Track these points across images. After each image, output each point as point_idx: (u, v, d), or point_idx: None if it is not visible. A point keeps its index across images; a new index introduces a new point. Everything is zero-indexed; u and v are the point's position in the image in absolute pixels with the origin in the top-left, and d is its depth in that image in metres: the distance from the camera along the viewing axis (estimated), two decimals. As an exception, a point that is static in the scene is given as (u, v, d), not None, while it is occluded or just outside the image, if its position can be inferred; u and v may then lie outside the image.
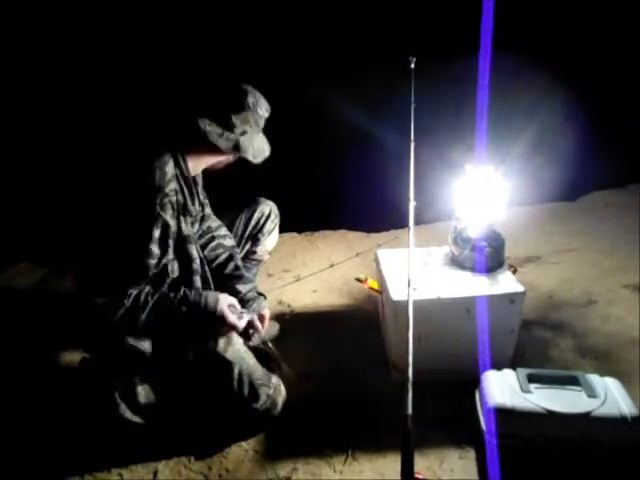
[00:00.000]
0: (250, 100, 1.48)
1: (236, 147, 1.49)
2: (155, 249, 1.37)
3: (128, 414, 1.50)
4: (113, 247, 1.36)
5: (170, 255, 1.42)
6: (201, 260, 1.55)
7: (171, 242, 1.41)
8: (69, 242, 1.59)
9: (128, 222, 1.35)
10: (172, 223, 1.40)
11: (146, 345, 1.44)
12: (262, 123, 1.56)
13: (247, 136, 1.50)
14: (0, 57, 2.65)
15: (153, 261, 1.38)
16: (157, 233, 1.36)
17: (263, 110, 1.53)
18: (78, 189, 1.65)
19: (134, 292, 1.36)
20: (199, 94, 1.46)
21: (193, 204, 1.51)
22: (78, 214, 1.54)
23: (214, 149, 1.48)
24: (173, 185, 1.41)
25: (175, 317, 1.41)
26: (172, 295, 1.42)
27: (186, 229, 1.47)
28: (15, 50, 2.69)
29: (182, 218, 1.47)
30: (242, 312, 1.55)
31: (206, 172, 1.64)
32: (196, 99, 1.45)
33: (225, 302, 1.49)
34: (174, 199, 1.41)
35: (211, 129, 1.43)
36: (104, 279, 1.36)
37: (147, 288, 1.39)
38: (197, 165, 1.53)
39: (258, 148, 1.54)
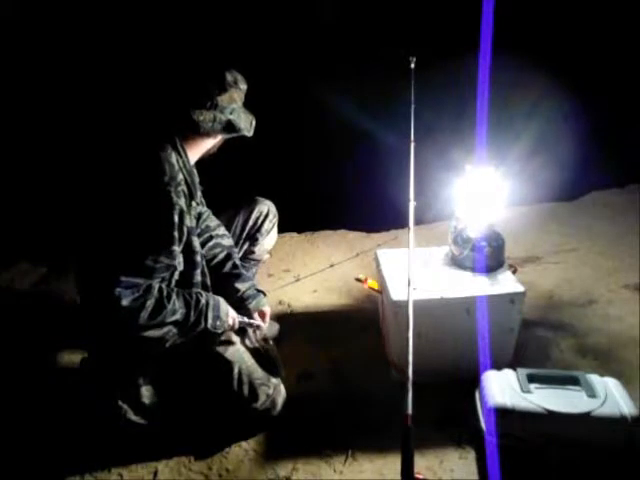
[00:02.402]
0: (230, 78, 1.46)
1: (231, 128, 1.48)
2: (177, 235, 1.36)
3: (132, 416, 1.50)
4: (132, 242, 1.33)
5: (180, 246, 1.42)
6: (201, 255, 1.55)
7: (185, 230, 1.40)
8: (71, 242, 1.56)
9: (147, 214, 1.33)
10: (186, 211, 1.39)
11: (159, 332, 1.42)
12: (243, 97, 1.54)
13: (235, 113, 1.49)
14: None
15: (177, 248, 1.37)
16: (176, 219, 1.35)
17: (243, 84, 1.51)
18: (78, 186, 1.63)
19: (156, 285, 1.35)
20: (182, 83, 1.44)
21: (196, 196, 1.51)
22: (81, 212, 1.50)
23: (208, 135, 1.48)
24: (181, 175, 1.41)
25: (192, 315, 1.42)
26: (188, 292, 1.43)
27: (189, 221, 1.47)
28: (15, 45, 2.69)
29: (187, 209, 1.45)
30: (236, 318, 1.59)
31: (201, 158, 1.60)
32: (180, 88, 1.43)
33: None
34: (185, 189, 1.41)
35: (203, 117, 1.42)
36: (123, 275, 1.31)
37: (163, 284, 1.39)
38: (194, 155, 1.52)
39: (247, 121, 1.53)
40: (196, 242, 1.50)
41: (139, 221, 1.33)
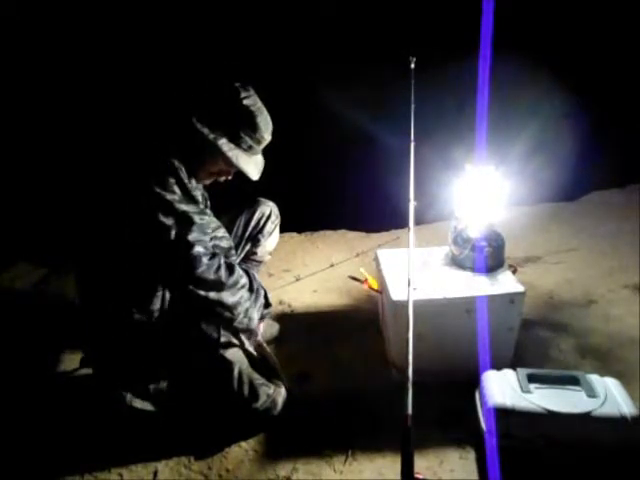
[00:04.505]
0: (261, 122, 1.47)
1: (238, 161, 1.47)
2: (198, 195, 1.49)
3: (137, 403, 1.51)
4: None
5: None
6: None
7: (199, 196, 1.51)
8: (74, 244, 1.56)
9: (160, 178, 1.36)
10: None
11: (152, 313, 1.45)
12: (263, 147, 1.55)
13: (249, 153, 1.50)
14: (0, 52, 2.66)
15: (202, 206, 1.51)
16: (185, 179, 1.41)
17: (269, 134, 1.52)
18: (87, 186, 1.62)
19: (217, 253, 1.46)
20: (215, 105, 1.43)
21: (190, 180, 1.50)
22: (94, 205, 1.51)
23: (215, 160, 1.49)
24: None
25: (254, 282, 1.53)
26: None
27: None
28: (15, 46, 2.69)
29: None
30: None
31: (213, 180, 1.61)
32: (210, 110, 1.43)
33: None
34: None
35: (201, 126, 1.41)
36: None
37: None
38: (200, 169, 1.52)
39: (247, 162, 1.51)
40: None
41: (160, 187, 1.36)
